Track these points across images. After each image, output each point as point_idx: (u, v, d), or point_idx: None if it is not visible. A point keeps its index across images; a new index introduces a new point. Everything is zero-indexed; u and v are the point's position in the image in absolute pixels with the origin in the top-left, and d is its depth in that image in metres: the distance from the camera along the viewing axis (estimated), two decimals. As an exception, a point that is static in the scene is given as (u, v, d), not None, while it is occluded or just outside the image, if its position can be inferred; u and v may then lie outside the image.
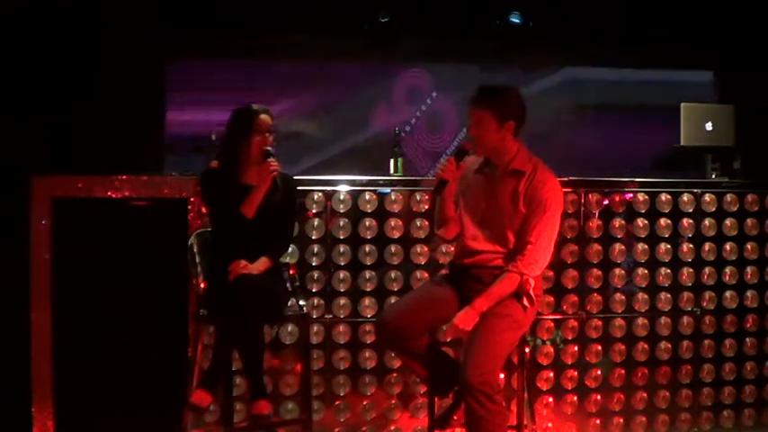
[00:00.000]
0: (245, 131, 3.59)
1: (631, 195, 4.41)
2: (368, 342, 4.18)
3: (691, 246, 4.47)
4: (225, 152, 3.66)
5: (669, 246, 4.44)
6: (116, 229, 4.08)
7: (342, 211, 4.19)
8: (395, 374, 4.21)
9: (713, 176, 4.74)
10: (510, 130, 3.35)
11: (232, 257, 3.54)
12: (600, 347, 4.37)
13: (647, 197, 4.42)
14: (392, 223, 4.21)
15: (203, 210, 3.92)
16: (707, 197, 4.48)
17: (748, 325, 4.53)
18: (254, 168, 3.59)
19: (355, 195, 4.20)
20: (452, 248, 3.78)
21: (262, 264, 3.51)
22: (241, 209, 3.50)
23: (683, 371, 4.45)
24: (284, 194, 3.64)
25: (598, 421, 4.37)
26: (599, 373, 4.37)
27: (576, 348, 4.35)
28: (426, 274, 4.19)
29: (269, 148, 3.56)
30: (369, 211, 4.21)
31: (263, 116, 3.60)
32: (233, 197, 3.52)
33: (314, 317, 4.12)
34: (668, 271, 4.44)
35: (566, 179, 4.27)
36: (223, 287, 3.45)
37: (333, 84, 6.28)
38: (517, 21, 5.97)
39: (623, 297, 4.40)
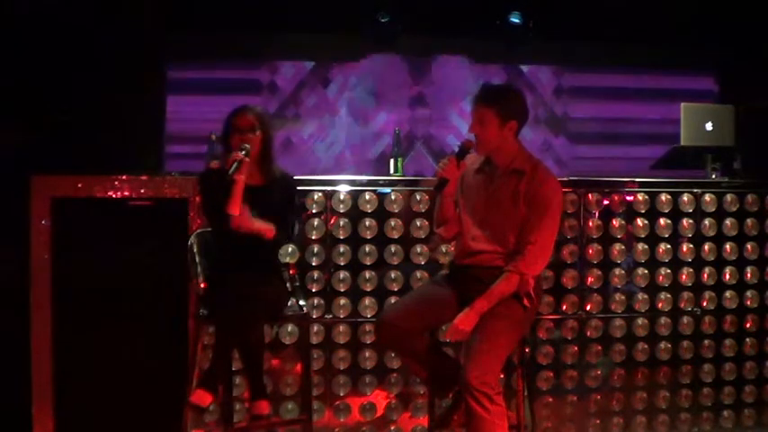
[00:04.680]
0: (226, 132, 3.61)
1: (631, 195, 4.42)
2: (368, 342, 4.18)
3: (691, 246, 4.47)
4: (222, 153, 3.68)
5: (669, 246, 4.44)
6: (116, 229, 4.09)
7: (342, 211, 4.19)
8: (395, 374, 4.21)
9: (713, 176, 4.74)
10: (512, 130, 3.35)
11: (229, 258, 3.54)
12: (600, 347, 4.37)
13: (647, 197, 4.42)
14: (392, 223, 4.21)
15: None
16: (707, 197, 4.48)
17: (748, 325, 4.53)
18: (247, 167, 3.58)
19: (355, 195, 4.20)
20: (452, 248, 3.78)
21: (266, 226, 3.49)
22: (225, 209, 3.50)
23: (683, 371, 4.45)
24: (283, 193, 3.64)
25: (598, 421, 4.37)
26: (599, 373, 4.37)
27: (576, 348, 4.35)
28: (426, 274, 4.19)
29: (246, 145, 3.52)
30: (369, 211, 4.21)
31: (238, 116, 3.59)
32: (222, 197, 3.52)
33: (314, 317, 4.12)
34: (668, 271, 4.44)
35: (566, 179, 4.28)
36: (223, 287, 3.45)
37: (333, 84, 6.28)
38: (517, 21, 5.97)
39: (623, 297, 4.40)
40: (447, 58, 6.35)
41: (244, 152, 3.48)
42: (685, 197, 4.46)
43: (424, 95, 6.39)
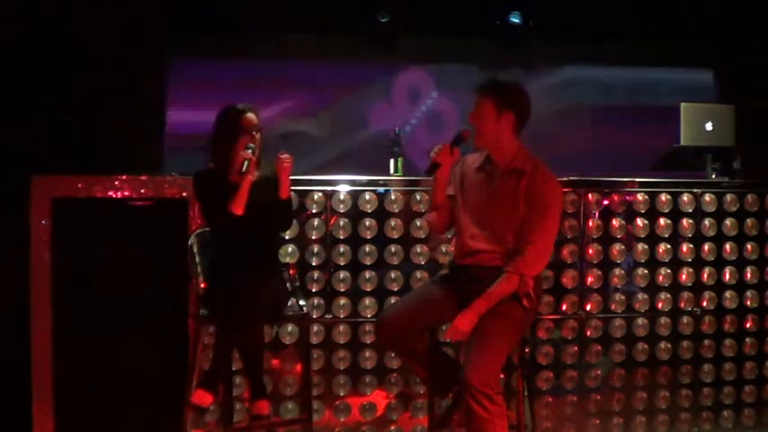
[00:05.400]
0: (233, 131, 3.59)
1: (631, 195, 4.42)
2: (368, 342, 4.18)
3: (691, 246, 4.47)
4: (215, 153, 3.65)
5: (669, 246, 4.44)
6: (116, 229, 4.09)
7: (342, 211, 4.19)
8: (395, 374, 4.21)
9: (713, 176, 4.73)
10: (509, 123, 3.35)
11: (229, 258, 3.54)
12: (600, 347, 4.37)
13: (647, 197, 4.42)
14: (392, 223, 4.21)
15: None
16: (707, 197, 4.48)
17: (748, 325, 4.53)
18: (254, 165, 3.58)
19: (355, 195, 4.20)
20: (452, 248, 3.78)
21: (285, 186, 3.54)
22: (229, 208, 3.50)
23: (683, 371, 4.45)
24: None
25: (598, 421, 4.37)
26: (599, 373, 4.37)
27: (576, 348, 4.35)
28: (426, 274, 4.19)
29: (252, 145, 3.54)
30: (369, 211, 4.21)
31: (249, 115, 3.60)
32: (224, 197, 3.52)
33: (314, 317, 4.12)
34: (668, 271, 4.44)
35: (566, 179, 4.28)
36: (223, 287, 3.45)
37: (333, 83, 6.28)
38: (517, 21, 5.97)
39: (623, 297, 4.40)
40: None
41: (250, 151, 3.50)
42: (685, 197, 4.46)
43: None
